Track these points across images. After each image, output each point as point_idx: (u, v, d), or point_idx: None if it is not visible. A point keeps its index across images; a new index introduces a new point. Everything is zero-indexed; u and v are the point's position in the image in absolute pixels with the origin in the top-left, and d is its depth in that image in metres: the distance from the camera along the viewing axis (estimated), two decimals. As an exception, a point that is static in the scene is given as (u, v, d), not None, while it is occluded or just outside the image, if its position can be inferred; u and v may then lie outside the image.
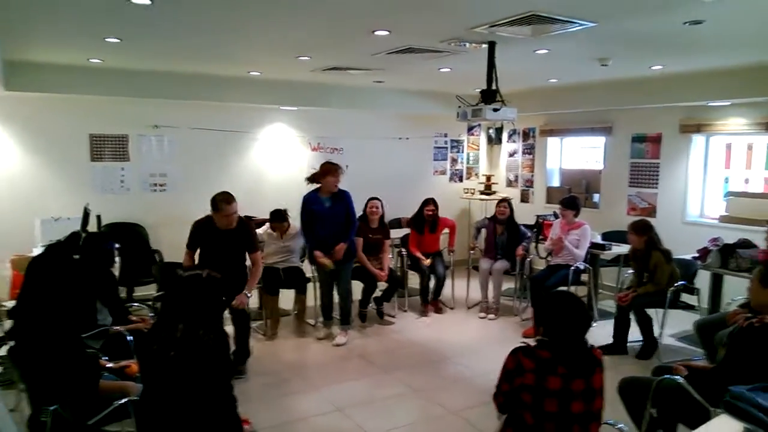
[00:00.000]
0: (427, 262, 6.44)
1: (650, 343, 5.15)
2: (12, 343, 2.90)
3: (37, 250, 5.37)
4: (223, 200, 4.55)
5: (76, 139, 6.39)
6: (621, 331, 5.25)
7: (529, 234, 6.51)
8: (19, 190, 6.13)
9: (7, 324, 4.48)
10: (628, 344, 5.27)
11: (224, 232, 4.62)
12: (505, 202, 6.61)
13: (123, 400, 2.76)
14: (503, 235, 6.47)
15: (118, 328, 3.70)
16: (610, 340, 5.29)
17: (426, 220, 6.62)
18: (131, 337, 3.53)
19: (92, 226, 5.42)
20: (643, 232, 5.15)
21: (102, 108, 6.44)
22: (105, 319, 3.83)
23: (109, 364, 3.21)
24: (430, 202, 6.66)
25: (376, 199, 6.21)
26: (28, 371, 2.83)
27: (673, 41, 4.31)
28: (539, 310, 2.55)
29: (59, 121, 6.28)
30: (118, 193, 6.66)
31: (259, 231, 5.74)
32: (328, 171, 5.34)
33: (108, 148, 6.58)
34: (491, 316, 6.33)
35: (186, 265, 4.59)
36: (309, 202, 5.43)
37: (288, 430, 3.79)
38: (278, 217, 5.87)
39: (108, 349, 3.41)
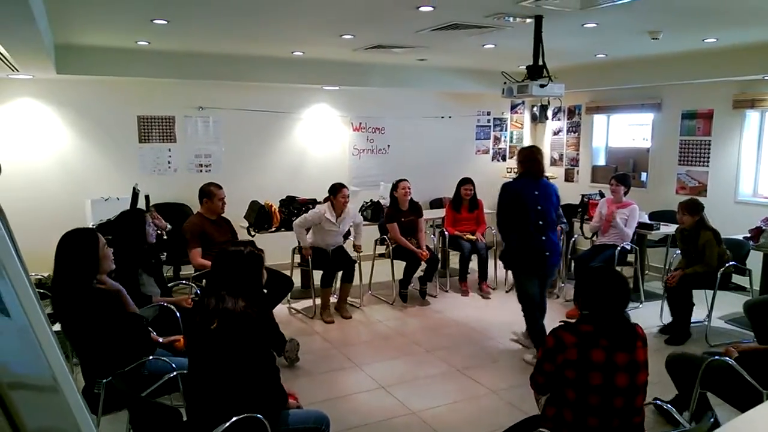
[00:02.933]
0: (470, 236, 6.41)
1: (683, 329, 4.97)
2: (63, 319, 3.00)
3: (89, 230, 5.56)
4: (213, 185, 5.01)
5: (125, 121, 6.57)
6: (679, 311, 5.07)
7: (564, 219, 6.26)
8: (70, 172, 6.35)
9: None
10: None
11: (218, 221, 5.01)
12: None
13: (173, 374, 2.85)
14: None
15: (162, 299, 3.81)
16: (657, 323, 5.17)
17: (463, 199, 6.57)
18: (179, 313, 3.63)
19: (141, 207, 5.57)
20: (695, 211, 4.99)
21: (149, 90, 6.59)
22: (152, 290, 3.94)
23: (159, 339, 3.31)
24: (467, 181, 6.60)
25: (405, 180, 6.14)
26: (80, 345, 2.93)
27: (729, 12, 4.12)
28: (580, 284, 2.52)
29: (108, 104, 6.46)
30: (165, 174, 6.83)
31: (311, 214, 5.66)
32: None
33: (155, 129, 6.74)
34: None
35: (200, 264, 4.79)
36: (511, 191, 4.53)
37: (332, 406, 3.85)
38: (338, 187, 5.60)
39: (158, 325, 3.52)
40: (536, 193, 4.42)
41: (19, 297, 1.06)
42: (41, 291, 3.74)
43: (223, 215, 5.09)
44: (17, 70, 5.07)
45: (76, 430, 1.11)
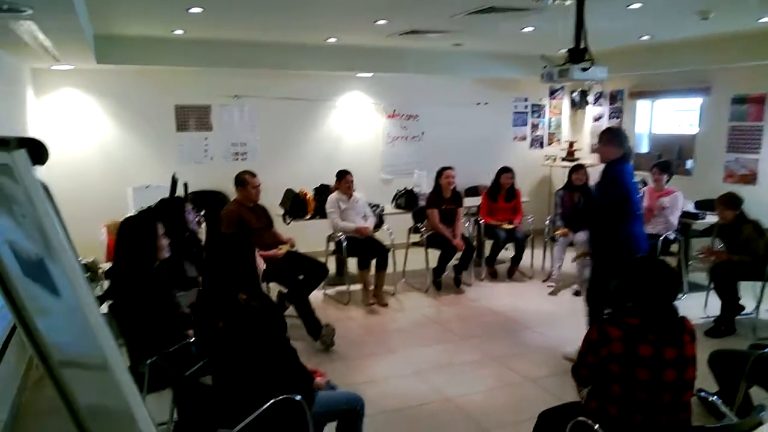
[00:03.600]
0: (507, 225, 6.34)
1: (728, 323, 4.80)
2: (111, 301, 3.10)
3: (130, 216, 5.70)
4: (247, 173, 5.03)
5: (163, 110, 6.68)
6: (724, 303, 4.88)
7: None
8: (112, 160, 6.49)
9: (105, 284, 4.82)
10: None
11: (254, 209, 5.04)
12: (582, 168, 6.36)
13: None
14: (580, 203, 6.25)
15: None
16: (701, 314, 5.03)
17: (502, 188, 6.49)
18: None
19: (180, 194, 5.66)
20: (734, 205, 4.85)
21: (185, 79, 6.68)
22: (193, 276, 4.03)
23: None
24: (508, 170, 6.51)
25: (450, 168, 6.11)
26: (126, 326, 3.02)
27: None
28: (625, 276, 2.45)
29: (147, 93, 6.57)
30: (203, 162, 6.93)
31: (328, 204, 5.80)
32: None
33: (192, 118, 6.83)
34: (551, 284, 6.16)
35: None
36: (626, 174, 4.13)
37: (366, 390, 3.86)
38: (343, 173, 5.83)
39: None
40: (633, 179, 4.18)
41: (70, 279, 1.08)
42: (88, 275, 3.85)
43: (259, 203, 5.13)
44: (59, 61, 5.19)
45: (126, 407, 1.13)
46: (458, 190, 6.29)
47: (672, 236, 5.65)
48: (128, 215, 3.86)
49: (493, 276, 6.56)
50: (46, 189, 1.19)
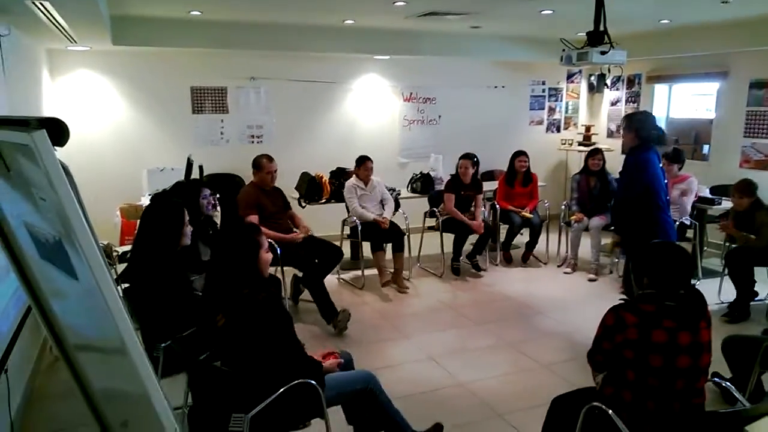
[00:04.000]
0: (526, 213, 6.27)
1: (743, 308, 4.75)
2: (126, 285, 3.12)
3: (144, 199, 5.71)
4: (265, 157, 5.04)
5: (179, 92, 6.67)
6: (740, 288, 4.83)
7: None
8: (127, 142, 6.51)
9: (120, 267, 4.85)
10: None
11: (270, 192, 5.04)
12: (599, 153, 6.28)
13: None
14: (596, 188, 6.18)
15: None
16: (716, 300, 4.98)
17: (518, 173, 6.43)
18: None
19: (195, 177, 5.67)
20: (749, 192, 4.80)
21: (201, 61, 6.66)
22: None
23: None
24: (522, 153, 6.45)
25: (467, 157, 6.05)
26: (141, 310, 3.03)
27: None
28: (640, 260, 2.41)
29: (163, 75, 6.56)
30: (219, 145, 6.93)
31: (346, 190, 5.82)
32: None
33: (208, 100, 6.83)
34: (567, 270, 6.15)
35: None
36: (646, 162, 4.03)
37: (380, 375, 3.84)
38: (363, 159, 5.83)
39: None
40: (661, 165, 4.08)
41: (90, 262, 1.08)
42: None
43: (276, 186, 5.13)
44: (75, 42, 5.18)
45: (143, 391, 1.13)
46: (478, 178, 6.25)
47: (687, 222, 5.58)
48: (153, 195, 3.82)
49: (508, 261, 6.55)
50: (66, 170, 1.18)
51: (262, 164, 4.99)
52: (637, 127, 4.02)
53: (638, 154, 4.00)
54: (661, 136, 4.08)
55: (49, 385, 3.77)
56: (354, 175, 5.88)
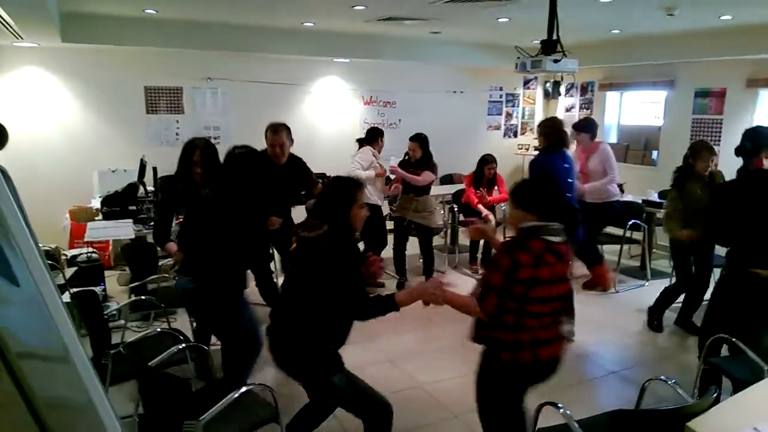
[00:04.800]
0: (491, 217, 6.23)
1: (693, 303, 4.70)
2: (75, 290, 3.02)
3: (95, 201, 5.56)
4: (268, 128, 4.56)
5: (132, 92, 6.51)
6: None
7: None
8: (77, 143, 6.31)
9: (69, 271, 4.71)
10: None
11: (277, 168, 4.53)
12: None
13: (181, 346, 2.86)
14: None
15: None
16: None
17: (485, 178, 6.42)
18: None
19: (148, 178, 5.55)
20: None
21: (156, 60, 6.52)
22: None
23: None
24: (491, 160, 6.33)
25: (415, 139, 5.83)
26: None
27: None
28: (525, 196, 2.48)
29: (115, 74, 6.39)
30: (174, 145, 6.76)
31: (365, 173, 5.47)
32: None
33: (163, 100, 6.69)
34: None
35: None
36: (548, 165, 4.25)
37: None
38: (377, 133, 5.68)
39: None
40: (566, 166, 4.27)
41: (29, 266, 1.04)
42: (50, 262, 3.75)
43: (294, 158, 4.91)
44: (22, 38, 5.01)
45: (87, 399, 1.10)
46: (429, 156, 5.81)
47: (618, 198, 5.48)
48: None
49: (476, 274, 6.32)
50: (4, 173, 1.14)
51: (265, 137, 4.54)
52: (545, 132, 4.32)
53: (544, 156, 4.30)
54: (565, 139, 4.34)
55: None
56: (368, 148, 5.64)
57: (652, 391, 2.78)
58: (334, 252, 2.41)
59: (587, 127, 5.50)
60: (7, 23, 4.12)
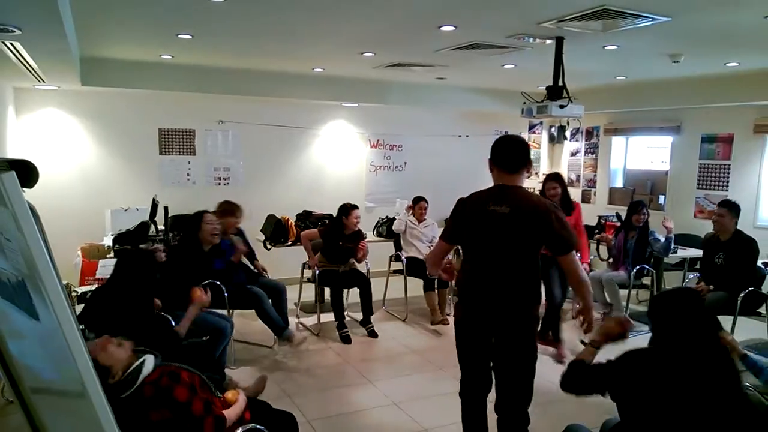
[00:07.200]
0: None
1: None
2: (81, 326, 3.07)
3: (107, 239, 5.62)
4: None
5: (146, 133, 6.66)
6: None
7: None
8: (91, 181, 6.43)
9: (78, 308, 4.73)
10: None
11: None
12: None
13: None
14: None
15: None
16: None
17: None
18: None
19: (160, 217, 5.63)
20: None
21: (171, 103, 6.69)
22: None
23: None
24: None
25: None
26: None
27: (751, 37, 4.12)
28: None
29: (131, 116, 6.56)
30: (185, 186, 6.90)
31: (398, 221, 6.23)
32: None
33: (176, 142, 6.83)
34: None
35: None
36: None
37: (344, 421, 3.85)
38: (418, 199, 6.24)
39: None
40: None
41: (52, 302, 1.08)
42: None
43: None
44: (44, 81, 5.18)
45: (102, 435, 1.12)
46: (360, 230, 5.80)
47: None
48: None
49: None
50: (33, 211, 1.19)
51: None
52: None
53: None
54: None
55: (1, 429, 3.62)
56: (409, 211, 6.24)
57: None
58: None
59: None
60: (31, 67, 4.27)
